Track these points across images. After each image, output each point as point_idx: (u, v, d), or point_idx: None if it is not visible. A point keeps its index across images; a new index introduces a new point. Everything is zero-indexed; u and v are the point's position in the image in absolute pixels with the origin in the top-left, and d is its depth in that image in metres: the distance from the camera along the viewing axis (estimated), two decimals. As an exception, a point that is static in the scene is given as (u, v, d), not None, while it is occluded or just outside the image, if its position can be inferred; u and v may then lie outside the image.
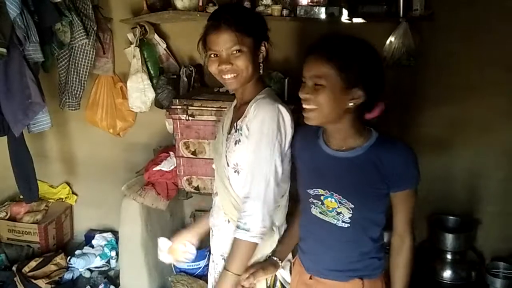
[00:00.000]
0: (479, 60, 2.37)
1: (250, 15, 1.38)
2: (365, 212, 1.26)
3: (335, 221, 1.28)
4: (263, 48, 1.35)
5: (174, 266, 2.58)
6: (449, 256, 2.44)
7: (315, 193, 1.30)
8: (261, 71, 1.37)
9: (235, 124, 1.40)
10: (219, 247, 1.50)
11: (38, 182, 2.50)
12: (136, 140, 2.84)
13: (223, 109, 2.14)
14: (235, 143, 1.37)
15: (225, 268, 1.32)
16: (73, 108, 2.61)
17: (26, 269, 2.59)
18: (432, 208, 2.59)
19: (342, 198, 1.25)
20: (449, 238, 2.40)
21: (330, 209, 1.28)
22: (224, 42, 1.29)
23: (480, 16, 2.29)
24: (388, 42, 2.33)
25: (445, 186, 2.57)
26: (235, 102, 1.49)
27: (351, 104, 1.17)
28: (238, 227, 1.29)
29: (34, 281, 2.52)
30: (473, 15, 2.29)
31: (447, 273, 2.44)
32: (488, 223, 2.55)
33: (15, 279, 2.52)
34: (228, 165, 1.39)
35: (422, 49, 2.35)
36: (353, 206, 1.24)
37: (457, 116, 2.47)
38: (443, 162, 2.53)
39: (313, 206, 1.32)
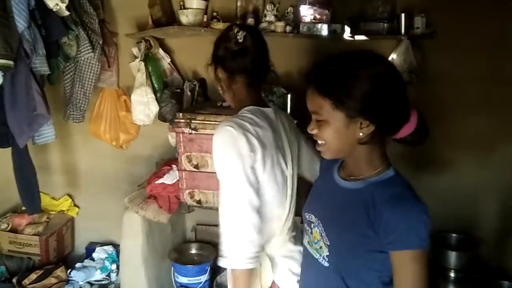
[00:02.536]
0: (480, 78, 2.38)
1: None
2: (343, 257, 1.09)
3: (317, 256, 1.15)
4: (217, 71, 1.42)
5: (174, 280, 2.56)
6: (452, 274, 2.41)
7: (309, 219, 1.20)
8: (221, 91, 1.45)
9: None
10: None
11: (40, 194, 2.50)
12: (139, 153, 2.85)
13: (225, 123, 2.15)
14: None
15: None
16: (77, 121, 2.63)
17: (26, 281, 2.57)
18: (435, 226, 2.54)
19: (323, 231, 1.13)
20: (453, 256, 2.37)
21: (315, 240, 1.16)
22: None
23: (482, 34, 2.32)
24: (389, 59, 2.35)
25: (448, 203, 2.55)
26: None
27: (362, 134, 1.03)
28: (220, 255, 1.30)
29: (34, 294, 2.52)
30: (475, 33, 2.31)
31: (451, 292, 2.41)
32: (492, 241, 2.53)
33: (13, 292, 2.51)
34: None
35: (423, 66, 2.37)
36: (328, 243, 1.11)
37: (459, 134, 2.47)
38: (446, 180, 2.52)
39: (305, 234, 1.22)
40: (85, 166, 2.99)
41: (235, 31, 1.36)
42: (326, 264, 1.12)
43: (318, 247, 1.14)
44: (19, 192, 2.36)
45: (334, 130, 1.04)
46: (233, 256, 1.26)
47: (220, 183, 1.32)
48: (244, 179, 1.27)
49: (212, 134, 2.13)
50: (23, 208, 2.67)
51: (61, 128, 2.72)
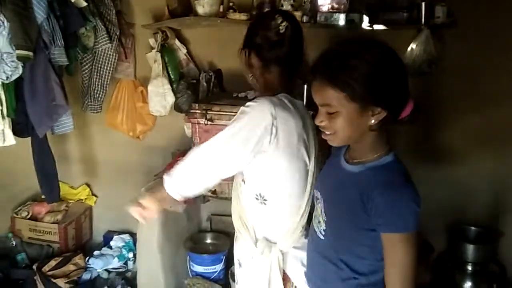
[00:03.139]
0: (501, 69, 2.32)
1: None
2: (337, 233, 1.16)
3: (317, 230, 1.23)
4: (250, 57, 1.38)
5: (190, 269, 2.59)
6: (470, 268, 2.39)
7: (316, 195, 1.26)
8: (250, 78, 1.40)
9: None
10: (236, 252, 1.53)
11: (59, 183, 2.55)
12: (155, 143, 2.87)
13: (241, 114, 2.15)
14: None
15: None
16: (95, 111, 2.66)
17: (46, 268, 2.63)
18: (453, 219, 2.54)
19: (323, 208, 1.19)
20: (470, 249, 2.35)
21: (317, 215, 1.23)
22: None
23: (503, 24, 2.25)
24: (409, 49, 2.31)
25: (467, 196, 2.51)
26: None
27: (373, 121, 1.06)
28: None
29: (54, 280, 2.56)
30: (496, 23, 2.25)
31: (467, 285, 2.38)
32: (511, 234, 2.48)
33: (35, 277, 2.57)
34: (239, 173, 1.40)
35: (443, 57, 2.32)
36: (326, 220, 1.18)
37: (479, 125, 2.42)
38: (465, 172, 2.48)
39: (314, 208, 1.29)
40: (103, 156, 3.03)
41: (278, 21, 1.31)
42: (322, 237, 1.20)
43: (318, 222, 1.22)
44: (38, 181, 2.40)
45: (347, 121, 1.06)
46: (172, 180, 1.28)
47: (222, 132, 1.28)
48: (245, 147, 1.24)
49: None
50: (43, 196, 2.72)
51: (79, 118, 2.76)
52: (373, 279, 1.14)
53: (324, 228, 1.18)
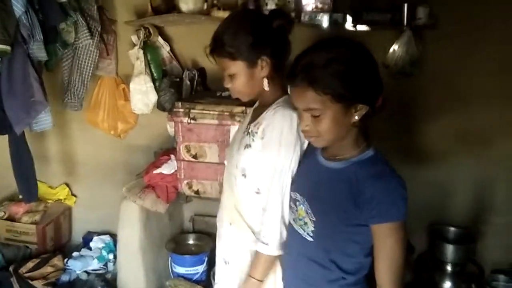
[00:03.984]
0: (482, 70, 2.36)
1: (238, 35, 1.27)
2: (328, 232, 1.15)
3: (301, 231, 1.21)
4: (259, 65, 1.29)
5: (172, 270, 2.56)
6: (449, 268, 2.41)
7: (295, 197, 1.24)
8: (265, 86, 1.32)
9: (248, 126, 1.38)
10: (222, 251, 1.50)
11: (38, 182, 2.49)
12: (137, 142, 2.83)
13: (225, 113, 2.14)
14: (245, 147, 1.35)
15: (249, 275, 1.34)
16: (75, 109, 2.61)
17: (23, 269, 2.56)
18: (432, 219, 2.57)
19: (309, 208, 1.18)
20: (450, 249, 2.37)
21: (300, 217, 1.21)
22: (220, 65, 1.32)
23: (483, 26, 2.29)
24: (391, 50, 2.33)
25: (446, 196, 2.55)
26: (257, 103, 1.47)
27: (357, 117, 1.08)
28: (258, 239, 1.31)
29: (31, 282, 2.50)
30: (477, 24, 2.29)
31: (446, 285, 2.41)
32: (489, 235, 2.53)
33: (11, 279, 2.50)
34: (237, 167, 1.38)
35: (425, 58, 2.35)
36: (315, 219, 1.16)
37: (460, 126, 2.46)
38: (445, 172, 2.52)
39: (291, 212, 1.27)
40: (83, 155, 2.97)
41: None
42: (310, 239, 1.18)
43: (303, 223, 1.20)
44: (16, 180, 2.34)
45: (333, 121, 1.07)
46: (274, 242, 1.27)
47: (268, 165, 1.28)
48: (291, 170, 1.27)
49: (211, 124, 2.16)
50: (20, 196, 2.66)
51: (58, 116, 2.71)
52: (359, 277, 1.16)
53: (313, 229, 1.16)
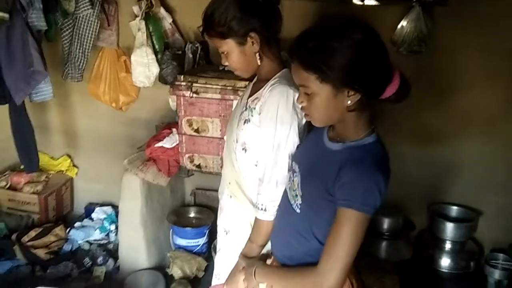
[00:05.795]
0: (491, 49, 2.31)
1: (225, 14, 1.29)
2: (312, 207, 1.16)
3: (292, 202, 1.23)
4: (249, 41, 1.32)
5: (173, 242, 2.59)
6: (448, 246, 2.44)
7: (293, 167, 1.27)
8: (258, 61, 1.35)
9: (247, 101, 1.41)
10: (223, 222, 1.54)
11: (39, 153, 2.49)
12: (138, 115, 2.81)
13: (228, 87, 2.11)
14: (244, 122, 1.39)
15: (250, 241, 1.40)
16: (76, 80, 2.57)
17: (25, 238, 2.60)
18: (435, 198, 2.57)
19: (300, 182, 1.20)
20: (450, 227, 2.39)
21: (294, 188, 1.23)
22: (212, 44, 1.39)
23: (495, 3, 2.23)
24: (399, 26, 2.27)
25: (448, 175, 2.54)
26: (255, 78, 1.48)
27: (350, 102, 1.07)
28: (256, 207, 1.35)
29: (33, 251, 2.55)
30: (488, 3, 2.22)
31: (445, 262, 2.44)
32: (489, 214, 2.53)
33: (14, 247, 2.54)
34: (237, 141, 1.41)
35: (434, 35, 2.29)
36: (302, 194, 1.18)
37: (465, 106, 2.42)
38: (448, 151, 2.50)
39: (288, 181, 1.29)
40: (84, 126, 2.96)
41: None
42: (298, 210, 1.19)
43: (294, 195, 1.22)
44: (17, 150, 2.34)
45: (323, 102, 1.08)
46: (270, 209, 1.32)
47: (265, 140, 1.32)
48: (288, 144, 1.30)
49: (214, 99, 2.13)
50: (22, 166, 2.66)
51: (60, 87, 2.68)
52: None
53: (300, 202, 1.19)
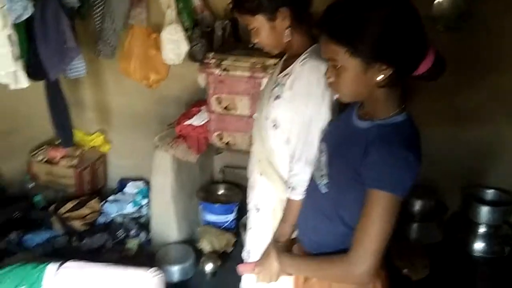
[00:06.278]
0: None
1: None
2: (338, 187, 1.12)
3: (318, 181, 1.20)
4: (279, 16, 1.30)
5: (202, 218, 2.64)
6: (482, 229, 2.37)
7: (321, 147, 1.24)
8: (289, 37, 1.32)
9: (278, 78, 1.40)
10: (253, 200, 1.55)
11: (74, 129, 2.55)
12: (168, 93, 2.84)
13: (257, 65, 2.09)
14: (275, 98, 1.37)
15: (282, 221, 1.40)
16: (108, 57, 2.61)
17: (62, 210, 2.72)
18: (470, 180, 2.50)
19: (327, 160, 1.17)
20: (485, 211, 2.32)
21: (321, 167, 1.20)
22: (242, 21, 1.37)
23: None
24: (436, 1, 2.17)
25: (483, 157, 2.45)
26: (286, 54, 1.46)
27: (380, 77, 1.01)
28: (288, 186, 1.35)
29: (70, 222, 2.66)
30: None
31: (478, 246, 2.38)
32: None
33: (51, 219, 2.66)
34: (267, 118, 1.40)
35: (473, 12, 2.17)
36: (329, 173, 1.15)
37: (504, 86, 2.31)
38: (484, 133, 2.41)
39: (316, 160, 1.26)
40: (117, 103, 3.02)
41: None
42: (324, 191, 1.16)
43: (321, 175, 1.19)
44: (52, 125, 2.41)
45: (352, 77, 1.03)
46: (302, 187, 1.31)
47: (296, 117, 1.31)
48: (319, 121, 1.28)
49: (243, 76, 2.12)
50: (58, 142, 2.76)
51: (92, 64, 2.72)
52: None
53: (326, 182, 1.16)
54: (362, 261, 1.01)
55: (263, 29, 1.32)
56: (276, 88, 1.37)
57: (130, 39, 2.74)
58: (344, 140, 1.16)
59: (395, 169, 1.00)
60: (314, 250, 1.22)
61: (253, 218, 1.57)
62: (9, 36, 1.96)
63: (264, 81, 2.07)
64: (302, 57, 1.32)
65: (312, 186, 1.25)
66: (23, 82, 2.11)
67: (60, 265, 1.91)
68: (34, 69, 2.17)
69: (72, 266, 1.92)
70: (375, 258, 1.01)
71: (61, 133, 2.46)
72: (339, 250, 1.11)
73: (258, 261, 1.36)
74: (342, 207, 1.12)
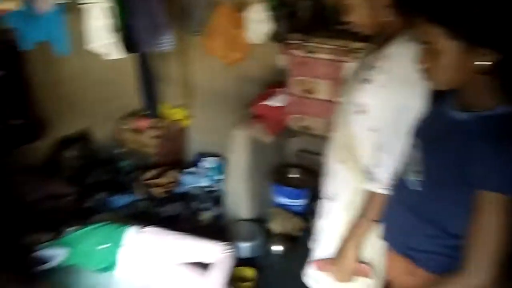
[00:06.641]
0: None
1: None
2: (435, 185, 1.04)
3: (410, 177, 1.11)
4: None
5: (274, 199, 2.65)
6: None
7: (413, 141, 1.15)
8: (388, 16, 1.20)
9: (368, 60, 1.29)
10: (329, 188, 1.47)
11: (160, 101, 2.68)
12: (249, 72, 2.85)
13: (342, 48, 2.01)
14: (364, 82, 1.26)
15: (362, 215, 1.30)
16: (194, 34, 2.67)
17: (145, 176, 2.90)
18: None
19: (423, 156, 1.08)
20: None
21: (413, 163, 1.12)
22: None
23: None
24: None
25: None
26: (379, 36, 1.35)
27: (483, 63, 0.93)
28: (372, 179, 1.26)
29: (151, 189, 2.84)
30: None
31: None
32: None
33: (135, 184, 2.86)
34: (353, 103, 1.29)
35: None
36: (425, 170, 1.06)
37: None
38: None
39: (408, 154, 1.17)
40: (200, 80, 3.10)
41: None
42: (417, 188, 1.09)
43: (414, 171, 1.11)
44: (141, 96, 2.55)
45: (450, 61, 0.96)
46: (387, 181, 1.23)
47: (389, 102, 1.21)
48: (414, 109, 1.19)
49: (326, 59, 2.06)
50: (145, 112, 2.92)
51: (180, 41, 2.81)
52: (461, 243, 1.02)
53: (421, 179, 1.07)
54: (482, 273, 0.93)
55: (361, 6, 1.22)
56: (366, 71, 1.26)
57: (216, 17, 2.78)
58: (439, 134, 1.07)
59: (505, 167, 0.90)
60: (402, 251, 1.15)
61: (326, 207, 1.50)
62: (107, 9, 2.08)
63: (348, 65, 1.99)
64: (398, 38, 1.21)
65: (399, 181, 1.17)
66: (118, 53, 2.25)
67: (141, 228, 2.06)
68: (128, 41, 2.30)
69: (151, 231, 2.06)
70: (495, 268, 0.92)
71: (148, 104, 2.60)
72: (430, 254, 1.05)
73: (333, 259, 1.33)
74: (436, 207, 1.05)
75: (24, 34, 2.03)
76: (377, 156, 1.25)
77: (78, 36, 2.17)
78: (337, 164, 1.40)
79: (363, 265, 1.34)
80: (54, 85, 2.71)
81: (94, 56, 2.24)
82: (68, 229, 2.11)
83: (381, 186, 1.24)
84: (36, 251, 2.02)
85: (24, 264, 1.93)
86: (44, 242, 2.06)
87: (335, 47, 2.02)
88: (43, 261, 1.98)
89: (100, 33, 2.11)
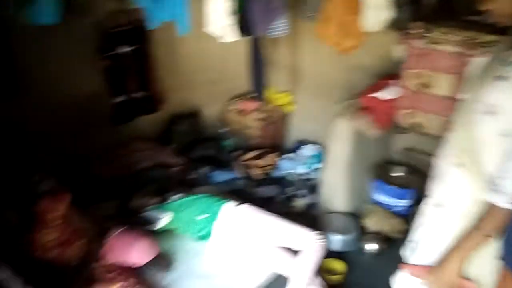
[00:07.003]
0: None
1: None
2: None
3: None
4: None
5: (372, 195, 2.55)
6: None
7: None
8: None
9: (504, 54, 1.16)
10: (439, 193, 1.36)
11: (267, 86, 2.72)
12: (361, 61, 2.74)
13: (470, 40, 1.82)
14: (498, 78, 1.13)
15: (477, 228, 1.19)
16: (309, 19, 2.64)
17: (245, 157, 3.00)
18: None
19: None
20: None
21: None
22: None
23: None
24: None
25: None
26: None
27: None
28: (495, 189, 1.14)
29: (249, 169, 2.92)
30: None
31: None
32: None
33: (235, 163, 2.97)
34: (482, 102, 1.17)
35: None
36: None
37: None
38: None
39: None
40: (307, 66, 3.08)
41: None
42: None
43: None
44: (250, 79, 2.62)
45: None
46: (511, 194, 1.11)
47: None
48: None
49: (451, 52, 1.87)
50: (251, 95, 2.99)
51: (292, 25, 2.81)
52: None
53: None
54: None
55: None
56: (501, 68, 1.13)
57: (331, 2, 2.70)
58: None
59: None
60: None
61: (430, 214, 1.39)
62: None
63: (475, 59, 1.80)
64: None
65: None
66: (233, 36, 2.32)
67: (237, 205, 2.14)
68: (243, 25, 2.36)
69: (247, 209, 2.12)
70: None
71: (256, 87, 2.66)
72: None
73: (433, 268, 1.23)
74: None
75: (151, 14, 2.20)
76: (506, 165, 1.11)
77: (197, 19, 2.29)
78: (452, 167, 1.28)
79: (467, 281, 1.23)
80: (172, 63, 2.91)
81: (210, 38, 2.34)
82: (172, 197, 2.28)
83: (506, 200, 1.10)
84: (144, 212, 2.22)
85: (133, 223, 2.13)
86: (151, 205, 2.26)
87: (463, 38, 1.83)
88: (149, 222, 2.17)
89: (219, 16, 2.20)
